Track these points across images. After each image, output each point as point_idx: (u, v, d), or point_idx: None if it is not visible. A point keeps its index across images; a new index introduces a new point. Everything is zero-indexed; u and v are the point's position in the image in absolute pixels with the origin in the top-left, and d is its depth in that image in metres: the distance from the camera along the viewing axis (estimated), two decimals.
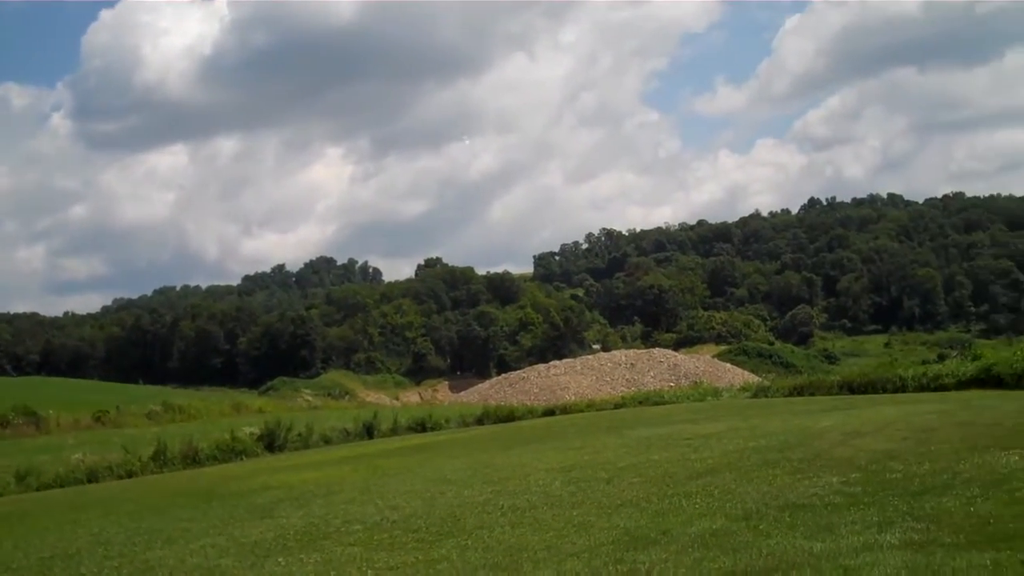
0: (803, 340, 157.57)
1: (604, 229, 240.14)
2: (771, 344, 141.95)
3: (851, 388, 26.97)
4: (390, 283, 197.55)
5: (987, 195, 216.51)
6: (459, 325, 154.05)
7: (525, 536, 10.18)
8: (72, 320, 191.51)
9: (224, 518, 14.36)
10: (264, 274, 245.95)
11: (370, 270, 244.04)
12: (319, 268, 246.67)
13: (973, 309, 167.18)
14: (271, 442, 29.29)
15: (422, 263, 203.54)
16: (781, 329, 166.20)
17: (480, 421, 33.94)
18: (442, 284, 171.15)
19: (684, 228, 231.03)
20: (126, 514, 16.40)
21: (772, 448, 14.32)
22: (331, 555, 10.45)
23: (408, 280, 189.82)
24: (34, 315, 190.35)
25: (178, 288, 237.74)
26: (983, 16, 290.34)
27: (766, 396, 29.44)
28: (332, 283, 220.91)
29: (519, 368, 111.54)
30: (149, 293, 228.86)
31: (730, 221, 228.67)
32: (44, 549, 13.19)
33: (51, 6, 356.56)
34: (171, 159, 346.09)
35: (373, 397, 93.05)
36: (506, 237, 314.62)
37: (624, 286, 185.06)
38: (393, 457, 22.09)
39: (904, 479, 10.53)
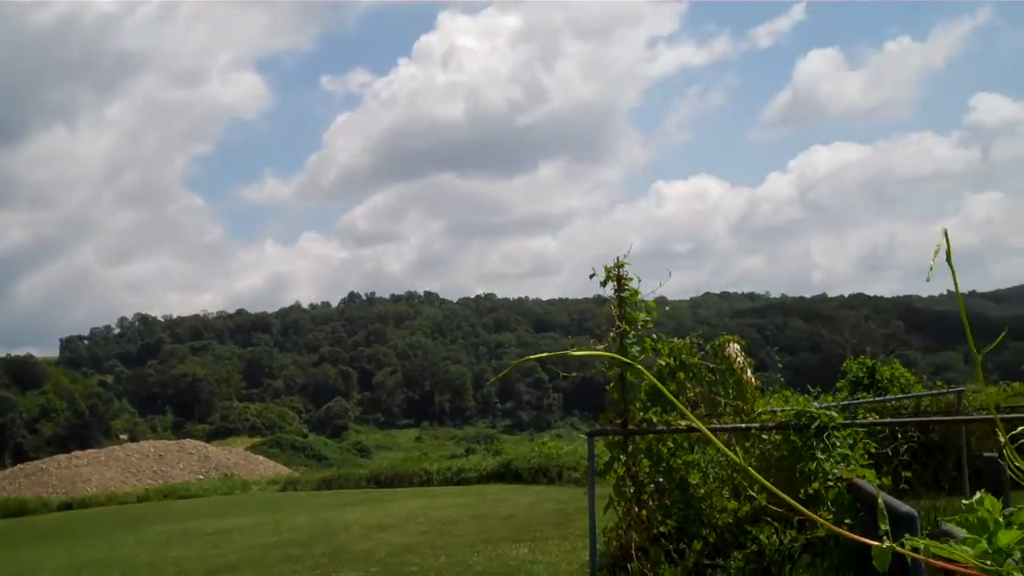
0: (338, 433, 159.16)
1: (139, 314, 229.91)
2: (305, 437, 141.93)
3: (379, 481, 27.46)
4: None
5: (516, 297, 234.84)
6: None
7: None
8: None
9: None
10: None
11: None
12: None
13: (500, 406, 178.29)
14: None
15: None
16: (316, 421, 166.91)
17: None
18: None
19: (223, 316, 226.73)
20: None
21: (296, 543, 14.13)
22: None
23: None
24: None
25: None
26: (521, 129, 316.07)
27: (295, 489, 29.34)
28: None
29: (38, 458, 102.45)
30: None
31: (270, 311, 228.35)
32: None
33: None
34: None
35: None
36: (33, 318, 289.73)
37: (157, 374, 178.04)
38: None
39: (420, 572, 10.72)
